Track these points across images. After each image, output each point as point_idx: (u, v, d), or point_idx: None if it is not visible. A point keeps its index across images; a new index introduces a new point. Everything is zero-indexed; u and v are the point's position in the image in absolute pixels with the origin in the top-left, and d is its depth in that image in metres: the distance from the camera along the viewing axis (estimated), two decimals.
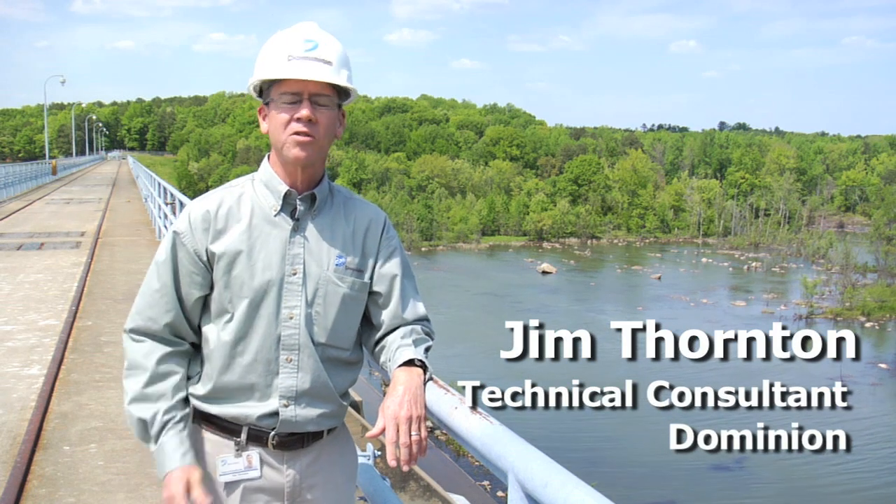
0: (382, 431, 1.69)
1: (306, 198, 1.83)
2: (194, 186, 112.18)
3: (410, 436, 1.68)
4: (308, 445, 1.85)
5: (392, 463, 1.68)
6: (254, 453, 1.82)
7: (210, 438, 1.84)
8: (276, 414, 1.80)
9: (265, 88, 1.81)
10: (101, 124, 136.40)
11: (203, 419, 1.85)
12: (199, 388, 1.84)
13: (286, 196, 1.81)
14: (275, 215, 1.81)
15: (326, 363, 1.83)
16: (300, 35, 1.77)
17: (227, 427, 1.82)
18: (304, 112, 1.73)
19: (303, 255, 1.80)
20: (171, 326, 1.81)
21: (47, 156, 54.48)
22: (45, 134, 55.39)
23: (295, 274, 1.79)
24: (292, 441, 1.83)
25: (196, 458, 1.79)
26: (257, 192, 1.84)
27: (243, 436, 1.81)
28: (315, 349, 1.81)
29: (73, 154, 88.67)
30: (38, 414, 4.95)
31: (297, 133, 1.74)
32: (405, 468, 1.69)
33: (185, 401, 1.82)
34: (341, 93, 1.82)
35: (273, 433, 1.80)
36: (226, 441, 1.83)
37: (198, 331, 1.86)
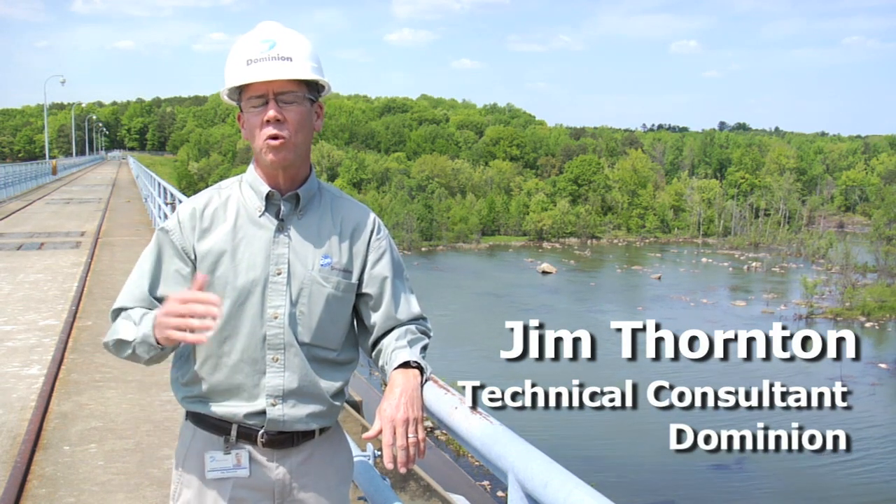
0: (379, 434, 1.69)
1: (290, 198, 1.83)
2: (194, 186, 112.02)
3: (407, 438, 1.68)
4: (299, 444, 1.85)
5: (389, 465, 1.68)
6: (243, 451, 1.82)
7: (200, 435, 1.85)
8: (263, 413, 1.80)
9: (237, 96, 1.82)
10: (101, 124, 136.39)
11: (193, 417, 1.87)
12: (189, 389, 1.85)
13: (269, 196, 1.82)
14: (259, 216, 1.82)
15: (314, 363, 1.83)
16: (258, 36, 1.77)
17: (216, 425, 1.83)
18: (271, 113, 1.74)
19: (287, 255, 1.81)
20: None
21: (47, 156, 54.46)
22: (45, 134, 55.39)
23: (279, 274, 1.80)
24: (282, 440, 1.83)
25: None
26: (244, 193, 1.85)
27: (233, 434, 1.82)
28: (301, 348, 1.81)
29: (73, 154, 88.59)
30: (38, 414, 4.95)
31: (268, 138, 1.75)
32: (402, 470, 1.69)
33: None
34: (312, 87, 1.81)
35: (262, 431, 1.81)
36: (215, 438, 1.83)
37: None
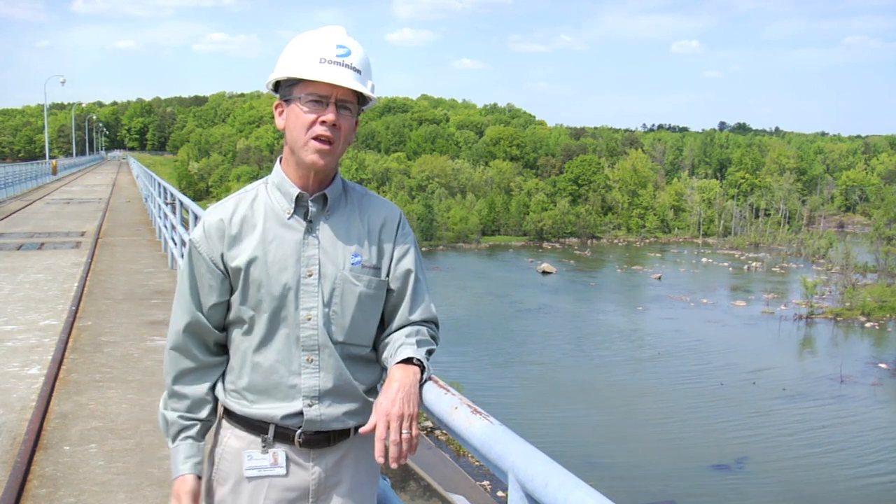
0: (374, 429, 1.69)
1: (318, 199, 1.83)
2: (194, 186, 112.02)
3: (401, 433, 1.67)
4: (335, 444, 1.87)
5: (379, 459, 1.68)
6: (280, 451, 1.83)
7: (238, 434, 1.86)
8: (300, 414, 1.81)
9: (285, 86, 1.81)
10: (101, 124, 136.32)
11: (231, 416, 1.89)
12: (226, 389, 1.88)
13: (298, 198, 1.82)
14: (288, 218, 1.82)
15: (347, 361, 1.85)
16: (332, 39, 1.78)
17: (254, 425, 1.85)
18: (330, 116, 1.75)
19: (317, 256, 1.81)
20: (189, 331, 1.86)
21: (47, 156, 54.44)
22: (45, 134, 55.32)
23: (310, 275, 1.80)
24: (319, 440, 1.85)
25: (199, 467, 1.86)
26: (271, 195, 1.85)
27: (270, 433, 1.83)
28: (335, 348, 1.82)
29: (74, 154, 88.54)
30: (38, 414, 4.94)
31: (318, 138, 1.76)
32: (393, 465, 1.68)
33: (209, 409, 1.91)
34: (362, 101, 1.84)
35: (299, 431, 1.82)
36: (253, 437, 1.85)
37: (223, 334, 1.90)
